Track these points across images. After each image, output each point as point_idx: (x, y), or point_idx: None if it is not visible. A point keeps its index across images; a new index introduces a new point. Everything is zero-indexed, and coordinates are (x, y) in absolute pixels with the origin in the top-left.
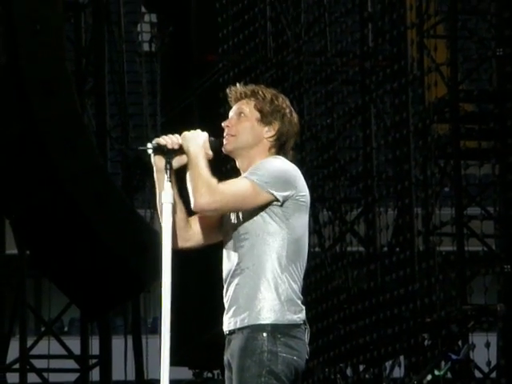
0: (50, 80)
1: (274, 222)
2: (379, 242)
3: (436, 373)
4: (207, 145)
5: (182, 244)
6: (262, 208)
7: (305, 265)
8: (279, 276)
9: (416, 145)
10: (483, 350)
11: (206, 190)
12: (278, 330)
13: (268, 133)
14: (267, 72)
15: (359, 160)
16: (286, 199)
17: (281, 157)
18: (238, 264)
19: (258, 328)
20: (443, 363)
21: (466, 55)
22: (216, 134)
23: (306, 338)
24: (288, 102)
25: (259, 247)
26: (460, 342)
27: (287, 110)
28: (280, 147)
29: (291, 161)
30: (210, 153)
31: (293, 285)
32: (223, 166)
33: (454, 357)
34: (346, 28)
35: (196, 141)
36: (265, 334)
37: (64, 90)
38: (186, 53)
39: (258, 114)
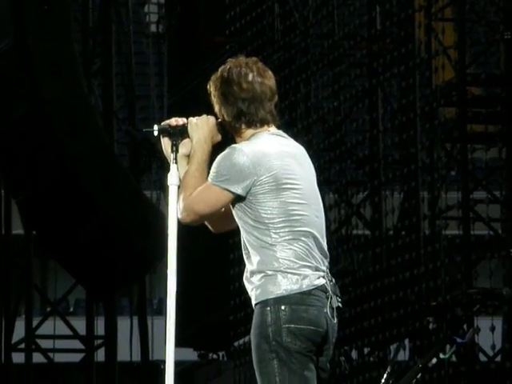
0: (57, 61)
1: (249, 211)
2: (385, 226)
3: (441, 356)
4: (215, 130)
5: (222, 227)
6: (234, 203)
7: (312, 229)
8: (273, 252)
9: (423, 128)
10: (488, 333)
11: (183, 208)
12: (281, 302)
13: (225, 121)
14: (274, 54)
15: (366, 143)
16: (247, 190)
17: (237, 146)
18: (242, 246)
19: (262, 303)
20: (448, 346)
21: (474, 38)
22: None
23: (330, 302)
24: (237, 69)
25: (247, 233)
26: (465, 326)
27: (221, 87)
28: (248, 124)
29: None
30: (219, 137)
31: (292, 257)
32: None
33: (458, 340)
34: (354, 10)
35: (200, 132)
36: (268, 308)
37: (71, 70)
38: (194, 34)
39: (216, 108)
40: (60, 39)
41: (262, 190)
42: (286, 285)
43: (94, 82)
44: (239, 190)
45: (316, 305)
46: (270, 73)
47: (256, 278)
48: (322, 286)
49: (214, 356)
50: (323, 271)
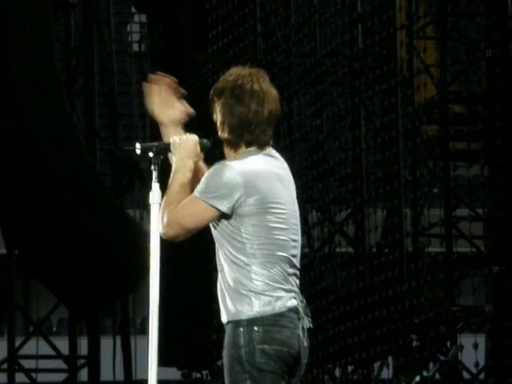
0: (39, 80)
1: (229, 230)
2: (368, 243)
3: (424, 374)
4: (197, 149)
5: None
6: (218, 219)
7: (289, 253)
8: (247, 272)
9: (405, 146)
10: (471, 351)
11: (165, 221)
12: (254, 323)
13: (223, 134)
14: None
15: (348, 161)
16: (233, 208)
17: (229, 163)
18: (217, 264)
19: (235, 324)
20: (431, 364)
21: (456, 57)
22: (205, 135)
23: (301, 323)
24: (249, 86)
25: (224, 251)
26: (448, 343)
27: (229, 102)
28: (248, 144)
29: (270, 146)
30: (201, 156)
31: (267, 279)
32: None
33: (442, 358)
34: (336, 29)
35: (183, 151)
36: (241, 329)
37: (53, 89)
38: (176, 53)
39: (217, 115)
40: (42, 58)
41: (247, 211)
42: (259, 306)
43: (76, 101)
44: (225, 209)
45: (288, 326)
46: (276, 94)
47: (229, 295)
48: (294, 307)
49: (198, 375)
50: (295, 292)
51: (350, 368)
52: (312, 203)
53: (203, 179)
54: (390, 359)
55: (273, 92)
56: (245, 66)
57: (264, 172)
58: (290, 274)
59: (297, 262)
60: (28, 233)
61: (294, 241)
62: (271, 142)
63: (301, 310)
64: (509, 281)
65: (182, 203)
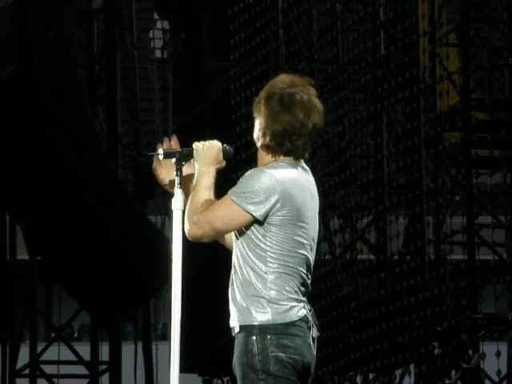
0: (62, 86)
1: (254, 235)
2: (390, 250)
3: (446, 382)
4: (220, 155)
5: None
6: (247, 224)
7: (306, 267)
8: (264, 280)
9: (427, 153)
10: (494, 359)
11: (193, 220)
12: (267, 331)
13: (264, 139)
14: None
15: (370, 168)
16: (266, 215)
17: (268, 170)
18: (232, 269)
19: (247, 332)
20: (453, 372)
21: (478, 64)
22: (227, 141)
23: (311, 332)
24: (299, 97)
25: (242, 256)
26: (470, 351)
27: (276, 108)
28: (286, 153)
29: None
30: (223, 163)
31: (282, 289)
32: (235, 173)
33: (464, 366)
34: (358, 36)
35: (206, 158)
36: (254, 337)
37: (76, 96)
38: (198, 60)
39: (259, 119)
40: (65, 65)
41: (277, 221)
42: (271, 314)
43: (98, 107)
44: (259, 216)
45: (300, 335)
46: (321, 108)
47: (242, 299)
48: (304, 316)
49: (219, 382)
50: (304, 301)
51: (371, 375)
52: (334, 210)
53: (239, 183)
54: (411, 367)
55: (319, 105)
56: (293, 74)
57: (299, 184)
58: (303, 286)
59: (310, 273)
60: (50, 239)
61: (311, 256)
62: (307, 156)
63: (310, 318)
64: None
65: (214, 204)
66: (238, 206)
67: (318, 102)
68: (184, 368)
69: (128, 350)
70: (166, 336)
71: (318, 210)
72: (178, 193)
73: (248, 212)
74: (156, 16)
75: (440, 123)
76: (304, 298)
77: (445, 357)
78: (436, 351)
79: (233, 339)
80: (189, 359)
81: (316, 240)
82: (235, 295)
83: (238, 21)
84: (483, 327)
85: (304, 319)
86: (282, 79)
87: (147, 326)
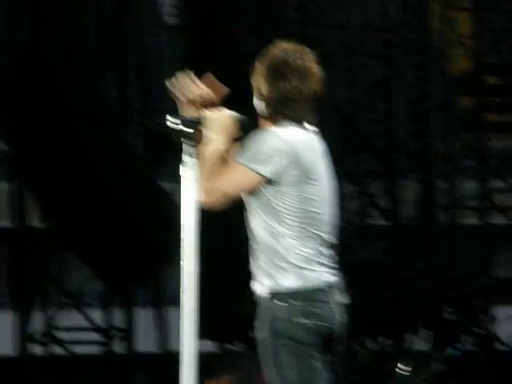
0: (72, 53)
1: (267, 198)
2: (401, 216)
3: (457, 346)
4: (234, 124)
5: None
6: (259, 186)
7: (325, 228)
8: (283, 243)
9: (439, 118)
10: (506, 323)
11: (205, 188)
12: (292, 297)
13: (262, 106)
14: None
15: (381, 133)
16: (276, 174)
17: (273, 129)
18: (251, 235)
19: (271, 297)
20: (466, 337)
21: (490, 27)
22: (238, 107)
23: (338, 298)
24: (295, 63)
25: (260, 221)
26: (483, 316)
27: (271, 75)
28: (289, 118)
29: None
30: (237, 133)
31: (305, 250)
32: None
33: (475, 330)
34: (369, 0)
35: (216, 126)
36: (277, 302)
37: (86, 62)
38: (209, 25)
39: (258, 87)
40: (75, 32)
41: (288, 179)
42: (296, 279)
43: (109, 73)
44: (269, 174)
45: (326, 301)
46: (321, 73)
47: (265, 269)
48: (330, 282)
49: (233, 347)
50: (332, 267)
51: (383, 340)
52: (345, 175)
53: (246, 146)
54: (423, 332)
55: (317, 72)
56: (291, 42)
57: (305, 142)
58: (325, 249)
59: (332, 237)
60: (62, 206)
61: (330, 215)
62: (314, 120)
63: (337, 285)
64: None
65: (224, 171)
66: (245, 167)
67: (316, 68)
68: (199, 334)
69: (141, 316)
70: (178, 301)
71: (330, 169)
72: (187, 161)
73: (257, 172)
74: None
75: (451, 88)
76: (330, 263)
77: (457, 321)
78: (448, 316)
79: (251, 304)
80: (203, 325)
81: (334, 201)
82: (257, 261)
83: None
84: (496, 292)
85: (330, 285)
86: (277, 46)
87: (159, 291)
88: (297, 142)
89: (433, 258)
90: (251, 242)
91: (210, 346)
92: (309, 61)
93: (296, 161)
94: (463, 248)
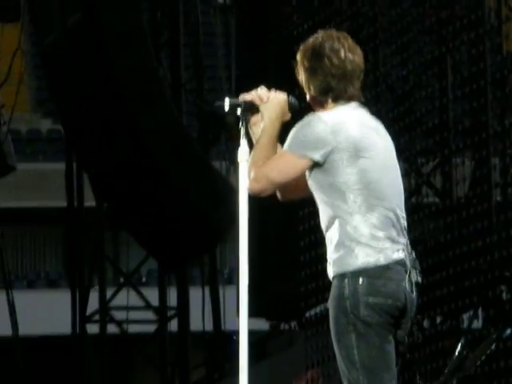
0: (126, 33)
1: (326, 179)
2: (456, 194)
3: None
4: (285, 108)
5: (291, 196)
6: (311, 169)
7: (391, 200)
8: (349, 221)
9: (494, 95)
10: None
11: (252, 176)
12: (359, 275)
13: (310, 92)
14: (342, 24)
15: (435, 111)
16: (325, 156)
17: (318, 113)
18: (320, 220)
19: (341, 276)
20: None
21: None
22: (290, 87)
23: (409, 276)
24: (329, 43)
25: (325, 204)
26: None
27: (311, 60)
28: (335, 99)
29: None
30: (288, 116)
31: (370, 228)
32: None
33: None
34: None
35: (271, 111)
36: (346, 281)
37: (140, 42)
38: (261, 5)
39: (302, 79)
40: (129, 12)
41: (340, 156)
42: (363, 257)
43: (162, 53)
44: (317, 157)
45: (394, 278)
46: (359, 50)
47: (335, 249)
48: (400, 259)
49: (286, 326)
50: (402, 244)
51: (438, 319)
52: (398, 154)
53: (291, 132)
54: (479, 311)
55: (355, 48)
56: (327, 30)
57: (353, 119)
58: (393, 223)
59: (400, 211)
60: (117, 185)
61: (395, 187)
62: (361, 98)
63: (408, 262)
64: None
65: (271, 158)
66: (291, 153)
67: (353, 45)
68: (251, 312)
69: (195, 295)
70: (232, 280)
71: (391, 144)
72: (243, 144)
73: (304, 156)
74: None
75: (506, 65)
76: (401, 240)
77: None
78: (504, 295)
79: (300, 284)
80: (256, 304)
81: (398, 170)
82: (329, 245)
83: None
84: None
85: (400, 262)
86: (312, 36)
87: (214, 271)
88: (342, 120)
89: (488, 237)
90: (321, 223)
91: (264, 324)
92: (345, 40)
93: (343, 138)
94: None
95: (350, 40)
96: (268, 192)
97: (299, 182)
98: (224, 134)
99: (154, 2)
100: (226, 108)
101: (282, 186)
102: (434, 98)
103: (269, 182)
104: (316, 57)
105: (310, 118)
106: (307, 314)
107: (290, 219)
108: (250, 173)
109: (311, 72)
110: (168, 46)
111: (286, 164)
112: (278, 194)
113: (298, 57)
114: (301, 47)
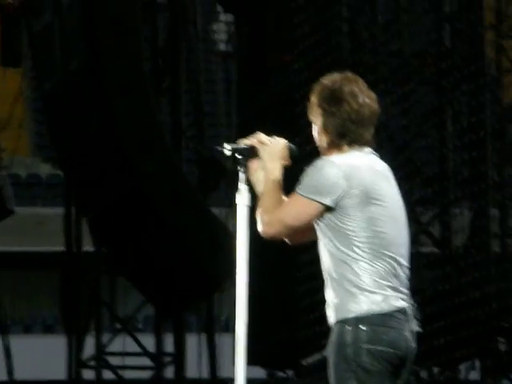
0: (127, 79)
1: (334, 223)
2: (454, 244)
3: (511, 376)
4: (285, 153)
5: (300, 239)
6: (321, 215)
7: (397, 250)
8: (354, 267)
9: (493, 146)
10: None
11: (265, 220)
12: (361, 322)
13: (326, 136)
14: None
15: (435, 161)
16: (337, 201)
17: (331, 158)
18: (322, 263)
19: (342, 322)
20: None
21: None
22: (290, 135)
23: (409, 324)
24: (348, 88)
25: (330, 247)
26: None
27: (329, 104)
28: (350, 143)
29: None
30: (288, 161)
31: (376, 273)
32: (296, 168)
33: None
34: (423, 28)
35: (272, 155)
36: (348, 328)
37: (141, 89)
38: (262, 52)
39: (317, 121)
40: (130, 58)
41: (350, 202)
42: (366, 304)
43: (162, 99)
44: (329, 202)
45: (396, 327)
46: (374, 95)
47: (336, 294)
48: (402, 308)
49: (283, 374)
50: (404, 294)
51: (436, 369)
52: None
53: (305, 176)
54: (477, 362)
55: (371, 93)
56: (342, 72)
57: (365, 166)
58: (397, 273)
59: (405, 260)
60: (115, 231)
61: (401, 237)
62: (373, 143)
63: (409, 311)
64: None
65: (284, 203)
66: (305, 198)
67: (368, 90)
68: (248, 360)
69: (192, 342)
70: (229, 328)
71: (398, 191)
72: (243, 188)
73: (316, 201)
74: (220, 8)
75: (505, 116)
76: (403, 289)
77: (511, 352)
78: (502, 346)
79: (297, 331)
80: (253, 351)
81: (405, 218)
82: (330, 291)
83: (302, 14)
84: None
85: (402, 311)
86: (328, 78)
87: (211, 318)
88: (354, 166)
89: (485, 287)
90: (323, 270)
91: (260, 372)
92: (360, 84)
93: (355, 184)
94: None
95: (364, 84)
96: (282, 236)
97: (309, 225)
98: (223, 181)
99: (155, 49)
100: (227, 152)
101: (296, 230)
102: (434, 147)
103: (282, 226)
104: (335, 100)
105: (321, 163)
106: (304, 362)
107: (288, 265)
108: (262, 217)
109: (328, 115)
110: (169, 92)
111: (299, 209)
112: (287, 238)
113: (314, 97)
114: (317, 87)
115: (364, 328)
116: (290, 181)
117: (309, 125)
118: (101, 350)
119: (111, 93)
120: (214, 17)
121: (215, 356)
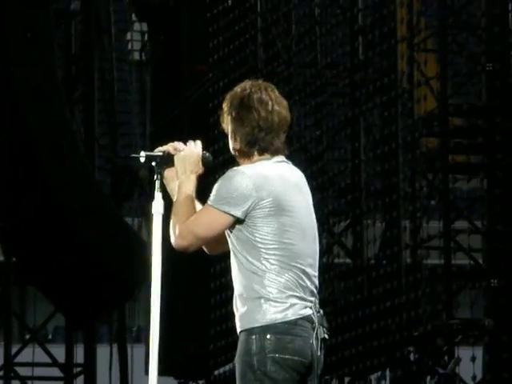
0: (40, 87)
1: (244, 235)
2: (366, 255)
3: None
4: (199, 162)
5: (217, 249)
6: (232, 226)
7: (304, 261)
8: (261, 278)
9: (405, 158)
10: (469, 364)
11: (177, 232)
12: (266, 331)
13: (236, 144)
14: None
15: (348, 172)
16: (247, 213)
17: (241, 168)
18: (232, 273)
19: (248, 331)
20: (429, 377)
21: (456, 69)
22: (205, 144)
23: (316, 333)
24: (257, 95)
25: (239, 258)
26: (446, 356)
27: (238, 112)
28: (261, 152)
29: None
30: (201, 170)
31: (281, 287)
32: (212, 176)
33: (440, 371)
34: (337, 40)
35: (185, 165)
36: (253, 337)
37: (54, 96)
38: (177, 62)
39: (228, 129)
40: (43, 66)
41: (260, 213)
42: (271, 313)
43: (75, 108)
44: (239, 213)
45: (301, 335)
46: (285, 102)
47: (242, 304)
48: (308, 316)
49: None
50: (310, 301)
51: (347, 379)
52: None
53: (215, 186)
54: (387, 371)
55: (282, 100)
56: (254, 80)
57: (276, 176)
58: (304, 282)
59: (313, 270)
60: (26, 240)
61: (310, 247)
62: (285, 151)
63: (316, 319)
64: (507, 294)
65: (195, 214)
66: (215, 209)
67: (279, 97)
68: (160, 371)
69: (103, 353)
70: (140, 339)
71: (310, 201)
72: (157, 196)
73: (226, 213)
74: (134, 18)
75: (417, 128)
76: (310, 297)
77: (420, 362)
78: (412, 356)
79: (209, 342)
80: (165, 362)
81: (315, 228)
82: (237, 302)
83: (216, 24)
84: (459, 332)
85: (307, 319)
86: (240, 85)
87: (122, 329)
88: (265, 176)
89: (397, 298)
90: (233, 280)
91: (172, 383)
92: (271, 92)
93: (265, 194)
94: (427, 288)
95: (276, 91)
96: (194, 247)
97: (222, 236)
98: (137, 190)
99: (68, 57)
100: (142, 160)
101: (208, 241)
102: (347, 159)
103: (194, 238)
104: (244, 108)
105: (232, 173)
106: (216, 373)
107: (200, 276)
108: (174, 229)
109: (238, 123)
110: (82, 100)
111: (210, 220)
112: (205, 248)
113: (225, 106)
114: (228, 96)
115: (269, 337)
116: (206, 190)
117: (224, 134)
118: (9, 360)
119: (23, 101)
120: (129, 25)
121: (126, 367)
